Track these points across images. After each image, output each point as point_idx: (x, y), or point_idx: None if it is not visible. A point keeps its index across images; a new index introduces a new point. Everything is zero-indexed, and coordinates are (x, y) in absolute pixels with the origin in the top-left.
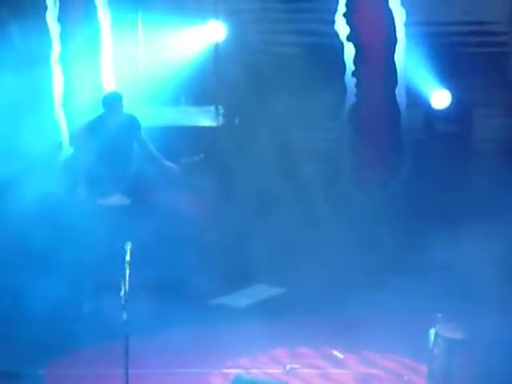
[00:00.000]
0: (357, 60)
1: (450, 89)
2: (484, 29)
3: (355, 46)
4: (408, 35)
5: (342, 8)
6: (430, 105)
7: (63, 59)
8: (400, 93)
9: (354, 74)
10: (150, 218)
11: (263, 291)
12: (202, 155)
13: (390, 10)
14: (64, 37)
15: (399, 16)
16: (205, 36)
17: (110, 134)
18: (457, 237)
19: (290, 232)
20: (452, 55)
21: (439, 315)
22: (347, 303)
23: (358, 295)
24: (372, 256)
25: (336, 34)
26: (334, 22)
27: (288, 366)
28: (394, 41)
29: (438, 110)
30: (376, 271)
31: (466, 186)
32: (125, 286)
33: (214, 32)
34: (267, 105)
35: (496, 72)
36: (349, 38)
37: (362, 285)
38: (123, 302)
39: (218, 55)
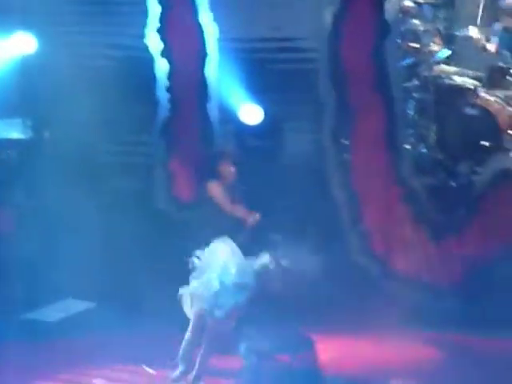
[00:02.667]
0: (169, 75)
1: (260, 104)
2: (292, 45)
3: (168, 61)
4: (220, 51)
5: (154, 22)
6: (241, 120)
7: None
8: (212, 108)
9: (166, 88)
10: None
11: (73, 305)
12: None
13: (202, 26)
14: None
15: (211, 31)
16: (11, 48)
17: None
18: None
19: (96, 247)
20: (262, 71)
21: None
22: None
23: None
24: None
25: (148, 49)
26: (145, 36)
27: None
28: (206, 56)
29: (249, 125)
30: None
31: (276, 200)
32: None
33: (21, 44)
34: (78, 118)
35: (305, 88)
36: (161, 53)
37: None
38: None
39: (26, 67)
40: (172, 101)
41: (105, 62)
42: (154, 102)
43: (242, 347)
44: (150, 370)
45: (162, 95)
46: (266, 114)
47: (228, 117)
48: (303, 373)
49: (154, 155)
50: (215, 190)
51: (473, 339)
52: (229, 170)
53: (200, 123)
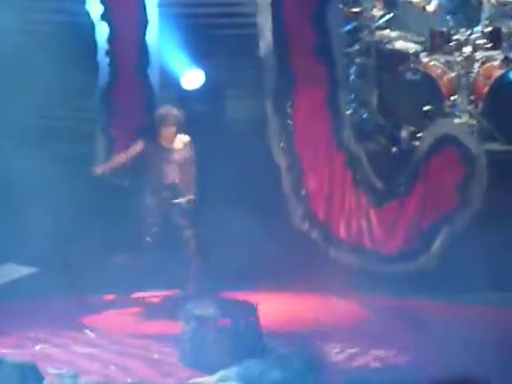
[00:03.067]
0: (110, 39)
1: (202, 69)
2: (234, 10)
3: (108, 26)
4: (161, 16)
5: None
6: (182, 85)
7: None
8: (153, 73)
9: (106, 53)
10: None
11: (15, 270)
12: None
13: None
14: None
15: None
16: None
17: None
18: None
19: (38, 212)
20: (204, 36)
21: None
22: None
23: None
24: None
25: (88, 13)
26: (85, 0)
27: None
28: (147, 21)
29: (191, 90)
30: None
31: (217, 165)
32: None
33: None
34: (18, 83)
35: (246, 53)
36: (102, 17)
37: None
38: None
39: None
40: (113, 66)
41: (46, 27)
42: (95, 68)
43: (182, 312)
44: (92, 335)
45: (103, 60)
46: (207, 79)
47: (169, 82)
48: (245, 337)
49: (96, 121)
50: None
51: (414, 302)
52: (170, 131)
53: (141, 88)
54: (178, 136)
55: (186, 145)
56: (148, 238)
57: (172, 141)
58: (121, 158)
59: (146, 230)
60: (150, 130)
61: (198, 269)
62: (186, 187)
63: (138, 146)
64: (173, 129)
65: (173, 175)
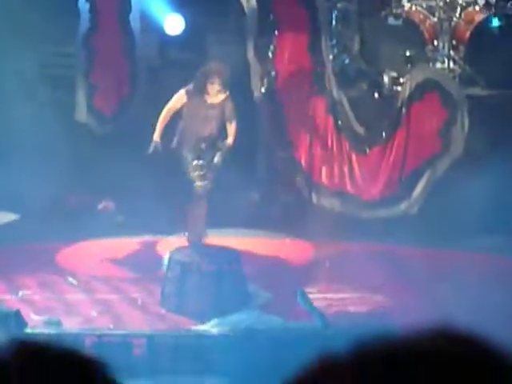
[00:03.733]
0: None
1: (182, 15)
2: None
3: None
4: None
5: None
6: (163, 31)
7: None
8: (134, 18)
9: None
10: None
11: None
12: None
13: None
14: None
15: None
16: None
17: None
18: None
19: (20, 159)
20: None
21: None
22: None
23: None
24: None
25: None
26: None
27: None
28: None
29: (171, 36)
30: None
31: None
32: None
33: None
34: None
35: None
36: None
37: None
38: None
39: None
40: (93, 12)
41: None
42: (75, 13)
43: (167, 258)
44: (74, 281)
45: (83, 6)
46: (188, 24)
47: (150, 27)
48: (228, 283)
49: (76, 67)
50: (173, 98)
51: (395, 247)
52: (215, 87)
53: (122, 34)
54: (222, 91)
55: (226, 99)
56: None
57: (215, 96)
58: (164, 116)
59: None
60: (195, 83)
61: (202, 214)
62: (220, 140)
63: (182, 99)
64: (218, 85)
65: (211, 128)
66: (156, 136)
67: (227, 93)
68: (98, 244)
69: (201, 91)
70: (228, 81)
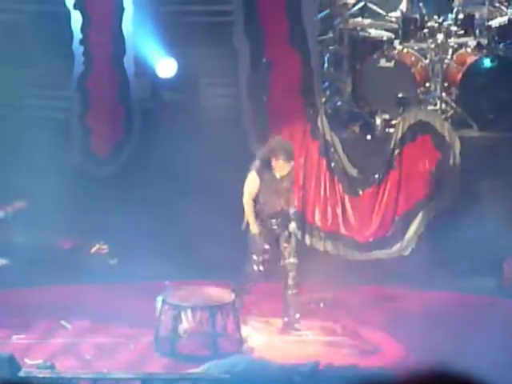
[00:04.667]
0: (84, 28)
1: (175, 57)
2: None
3: (82, 14)
4: (135, 3)
5: None
6: (156, 73)
7: None
8: (128, 61)
9: (81, 42)
10: None
11: None
12: None
13: None
14: None
15: None
16: None
17: None
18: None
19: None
20: (178, 24)
21: (167, 282)
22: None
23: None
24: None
25: (62, 2)
26: None
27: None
28: (122, 9)
29: (165, 79)
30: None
31: (192, 152)
32: None
33: None
34: None
35: (220, 41)
36: (76, 6)
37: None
38: None
39: None
40: (87, 54)
41: (20, 16)
42: (70, 56)
43: (159, 301)
44: (67, 325)
45: (78, 49)
46: (181, 67)
47: (144, 70)
48: (221, 325)
49: (71, 110)
50: (248, 182)
51: (390, 289)
52: (281, 164)
53: (116, 77)
54: (287, 164)
55: (291, 170)
56: (257, 268)
57: (283, 170)
58: (249, 203)
59: (255, 261)
60: (261, 161)
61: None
62: (292, 212)
63: (255, 180)
64: (282, 160)
65: (281, 202)
66: (255, 228)
67: (292, 163)
68: (92, 287)
69: (269, 167)
70: (292, 153)
